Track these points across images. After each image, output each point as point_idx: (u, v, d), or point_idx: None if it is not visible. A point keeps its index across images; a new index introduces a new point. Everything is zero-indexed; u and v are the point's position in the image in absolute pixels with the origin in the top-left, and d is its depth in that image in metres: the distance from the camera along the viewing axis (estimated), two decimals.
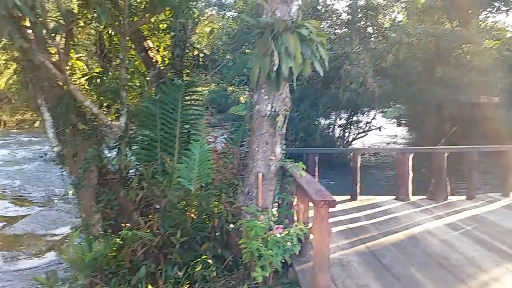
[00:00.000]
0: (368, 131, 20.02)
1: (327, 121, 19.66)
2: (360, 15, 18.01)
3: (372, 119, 19.92)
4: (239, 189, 4.55)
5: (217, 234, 4.26)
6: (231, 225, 4.25)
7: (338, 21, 18.21)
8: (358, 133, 20.17)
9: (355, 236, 4.59)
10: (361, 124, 20.26)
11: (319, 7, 18.00)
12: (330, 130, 19.84)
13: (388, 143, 22.33)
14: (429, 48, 17.69)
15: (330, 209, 5.54)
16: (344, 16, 18.33)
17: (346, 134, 20.32)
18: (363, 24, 18.25)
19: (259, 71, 4.05)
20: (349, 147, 19.47)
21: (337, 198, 6.15)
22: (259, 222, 3.73)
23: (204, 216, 4.44)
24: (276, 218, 4.09)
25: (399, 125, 29.34)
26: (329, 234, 3.20)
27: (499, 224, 5.05)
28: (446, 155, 6.21)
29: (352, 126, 20.17)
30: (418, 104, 20.67)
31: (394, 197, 6.29)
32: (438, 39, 17.02)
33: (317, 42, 4.22)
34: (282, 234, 3.58)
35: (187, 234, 4.13)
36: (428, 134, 20.20)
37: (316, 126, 17.52)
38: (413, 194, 6.28)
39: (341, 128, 20.15)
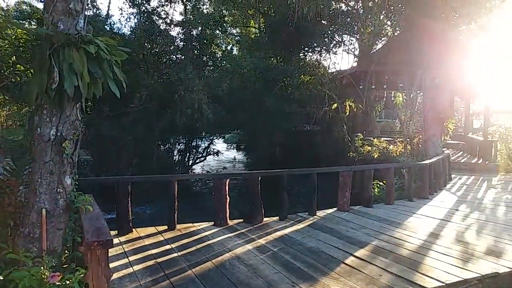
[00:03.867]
0: (206, 155, 20.38)
1: (166, 146, 19.30)
2: (194, 43, 18.40)
3: (209, 144, 20.35)
4: (18, 231, 3.74)
5: None
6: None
7: (172, 47, 18.20)
8: (198, 158, 20.34)
9: (161, 271, 4.23)
10: (200, 149, 20.52)
11: (154, 31, 17.67)
12: (169, 155, 19.50)
13: (224, 168, 23.09)
14: (258, 80, 19.12)
15: (143, 242, 5.15)
16: (179, 42, 18.48)
17: (186, 159, 20.26)
18: (197, 52, 18.67)
19: (37, 89, 3.43)
20: (190, 171, 19.42)
21: (151, 229, 5.84)
22: (32, 271, 3.04)
23: None
24: (56, 264, 3.43)
25: (238, 149, 30.94)
26: (108, 279, 2.76)
27: (302, 243, 5.38)
28: (259, 178, 6.47)
29: (191, 151, 20.23)
30: (251, 131, 22.10)
31: (213, 223, 6.22)
32: (265, 72, 18.56)
33: (111, 61, 3.84)
34: (59, 283, 2.98)
35: None
36: (262, 157, 21.70)
37: (152, 151, 16.91)
38: (231, 219, 6.33)
39: (180, 153, 19.99)
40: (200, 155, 20.20)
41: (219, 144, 33.42)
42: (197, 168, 20.25)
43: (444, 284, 4.04)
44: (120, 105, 16.41)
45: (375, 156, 11.98)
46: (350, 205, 7.65)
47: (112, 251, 4.82)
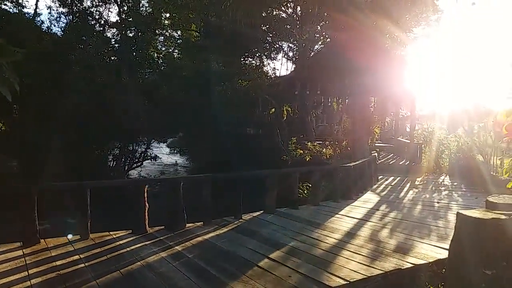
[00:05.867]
0: (143, 160, 19.85)
1: (99, 151, 18.53)
2: (130, 45, 17.91)
3: (146, 149, 19.85)
4: None
5: None
6: None
7: (107, 49, 17.59)
8: (134, 163, 19.75)
9: (61, 284, 3.99)
10: (136, 154, 19.95)
11: (87, 32, 16.97)
12: (103, 160, 18.75)
13: (163, 172, 22.61)
14: (198, 83, 18.97)
15: (50, 254, 4.84)
16: (114, 44, 17.90)
17: (122, 165, 19.59)
18: (133, 54, 18.19)
19: None
20: (126, 177, 18.79)
21: (62, 240, 5.52)
22: None
23: None
24: None
25: (181, 154, 30.42)
26: None
27: (220, 247, 5.35)
28: (181, 184, 6.36)
29: (127, 156, 19.61)
30: (193, 135, 21.87)
31: (131, 231, 6.00)
32: (205, 76, 18.46)
33: (2, 63, 3.56)
34: None
35: None
36: (205, 161, 21.56)
37: (84, 157, 16.14)
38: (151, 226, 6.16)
39: (115, 159, 19.30)
40: (137, 159, 19.63)
41: (163, 149, 32.78)
42: (134, 174, 19.64)
43: (348, 283, 4.17)
44: (48, 108, 15.55)
45: (307, 159, 12.29)
46: (277, 207, 7.77)
47: (11, 265, 4.52)
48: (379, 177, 12.63)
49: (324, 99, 20.94)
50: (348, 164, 9.65)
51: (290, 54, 21.72)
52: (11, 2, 17.02)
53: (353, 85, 12.17)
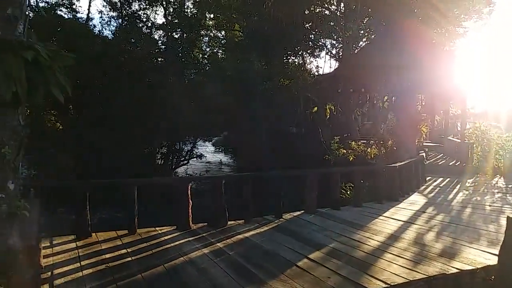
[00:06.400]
0: (189, 159, 20.39)
1: (148, 150, 19.25)
2: (175, 46, 18.44)
3: (192, 148, 20.35)
4: None
5: None
6: None
7: (154, 50, 18.23)
8: (180, 161, 20.35)
9: (109, 276, 4.23)
10: (183, 153, 20.53)
11: (135, 34, 17.67)
12: (152, 158, 19.46)
13: (208, 171, 23.04)
14: (241, 83, 19.16)
15: (100, 247, 5.14)
16: (161, 46, 18.52)
17: (169, 163, 20.24)
18: (179, 55, 18.71)
19: None
20: (173, 175, 19.38)
21: (111, 234, 5.83)
22: None
23: None
24: None
25: (226, 153, 30.92)
26: (33, 284, 2.75)
27: (260, 246, 5.41)
28: (223, 182, 6.50)
29: (174, 155, 20.23)
30: (237, 134, 22.15)
31: (176, 227, 6.22)
32: (247, 75, 18.62)
33: (53, 67, 3.83)
34: None
35: None
36: (248, 160, 21.77)
37: (134, 155, 16.82)
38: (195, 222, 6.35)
39: (163, 157, 19.97)
40: (183, 158, 20.19)
41: (208, 147, 33.47)
42: (181, 171, 20.23)
43: (389, 286, 4.09)
44: (100, 109, 16.38)
45: (351, 159, 12.07)
46: (318, 207, 7.72)
47: (66, 256, 4.83)
48: (427, 178, 12.15)
49: (369, 97, 20.43)
50: (393, 165, 9.38)
51: (334, 51, 21.45)
52: (66, 8, 18.11)
53: (399, 82, 11.79)
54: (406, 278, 4.27)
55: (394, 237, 5.93)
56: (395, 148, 11.42)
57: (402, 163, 9.76)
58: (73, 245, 5.25)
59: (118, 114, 15.81)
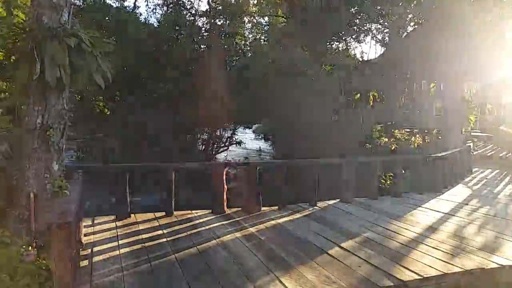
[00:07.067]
0: (229, 145, 20.62)
1: (190, 136, 19.69)
2: (218, 33, 18.54)
3: (232, 134, 20.55)
4: (9, 212, 4.04)
5: None
6: None
7: (197, 37, 18.45)
8: (220, 148, 20.64)
9: (144, 255, 4.42)
10: (223, 139, 20.79)
11: (180, 22, 17.95)
12: (194, 144, 19.90)
13: (246, 157, 23.21)
14: (282, 70, 18.98)
15: (138, 227, 5.38)
16: (204, 33, 18.69)
17: (210, 149, 20.61)
18: (221, 42, 18.81)
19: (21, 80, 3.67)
20: (214, 160, 19.75)
21: (149, 215, 6.07)
22: (9, 250, 3.30)
23: None
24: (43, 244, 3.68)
25: (266, 140, 30.99)
26: (70, 259, 2.94)
27: (292, 232, 5.43)
28: (258, 168, 6.55)
29: (215, 141, 20.55)
30: (277, 121, 22.09)
31: (211, 210, 6.37)
32: (288, 62, 18.40)
33: (96, 53, 4.01)
34: (32, 262, 3.22)
35: None
36: (288, 147, 21.72)
37: (173, 141, 17.27)
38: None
39: (204, 143, 20.35)
40: (223, 144, 20.47)
41: (248, 134, 33.69)
42: (221, 157, 20.55)
43: (421, 278, 3.98)
44: (144, 95, 16.92)
45: (392, 148, 11.70)
46: (355, 196, 7.61)
47: (106, 235, 5.10)
48: (474, 170, 11.57)
49: (416, 84, 19.60)
50: (436, 154, 9.00)
51: (379, 36, 20.65)
52: None
53: (448, 69, 11.21)
54: (441, 271, 4.14)
55: (432, 229, 5.74)
56: (439, 137, 10.92)
57: (446, 152, 9.34)
58: (112, 225, 5.53)
59: (161, 100, 16.23)
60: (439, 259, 4.48)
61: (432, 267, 4.23)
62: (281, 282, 3.82)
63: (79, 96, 17.77)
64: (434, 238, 5.28)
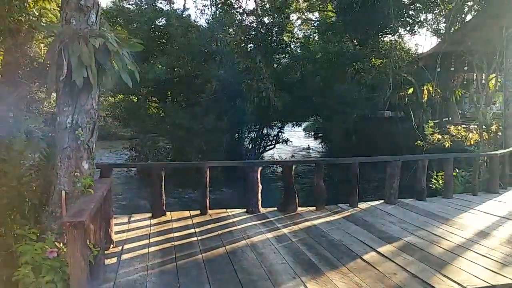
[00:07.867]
0: (276, 143, 20.50)
1: (238, 134, 19.81)
2: (264, 31, 18.44)
3: (278, 132, 20.40)
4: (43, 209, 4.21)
5: None
6: None
7: (245, 36, 18.48)
8: (267, 146, 20.58)
9: (172, 254, 4.42)
10: (270, 137, 20.71)
11: (227, 21, 18.08)
12: (241, 143, 20.00)
13: (293, 156, 22.93)
14: (330, 65, 18.51)
15: (171, 225, 5.42)
16: (251, 31, 18.67)
17: (256, 147, 20.61)
18: (268, 39, 18.69)
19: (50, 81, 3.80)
20: (260, 158, 19.68)
21: (185, 213, 6.10)
22: (36, 246, 3.42)
23: None
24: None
25: (316, 138, 30.46)
26: (84, 258, 2.97)
27: (326, 234, 5.19)
28: (294, 167, 6.35)
29: (262, 139, 20.52)
30: (326, 119, 21.62)
31: (245, 209, 6.29)
32: (336, 57, 17.89)
33: (121, 53, 4.05)
34: (55, 257, 3.29)
35: None
36: (337, 146, 21.19)
37: (220, 139, 17.43)
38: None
39: (251, 141, 20.39)
40: (270, 143, 20.40)
41: (298, 133, 33.38)
42: (267, 156, 20.49)
43: None
44: (193, 95, 17.27)
45: (446, 145, 10.91)
46: (401, 197, 7.17)
47: (138, 233, 5.18)
48: None
49: (475, 76, 18.22)
50: (493, 152, 8.24)
51: (434, 27, 19.44)
52: (164, 0, 19.40)
53: (510, 59, 10.24)
54: (489, 282, 3.73)
55: (483, 234, 5.23)
56: (499, 134, 10.01)
57: (505, 150, 8.53)
58: (147, 222, 5.62)
59: (210, 100, 16.44)
60: (488, 269, 4.04)
61: (479, 278, 3.82)
62: (306, 287, 3.63)
63: (136, 98, 18.64)
64: (484, 245, 4.80)
